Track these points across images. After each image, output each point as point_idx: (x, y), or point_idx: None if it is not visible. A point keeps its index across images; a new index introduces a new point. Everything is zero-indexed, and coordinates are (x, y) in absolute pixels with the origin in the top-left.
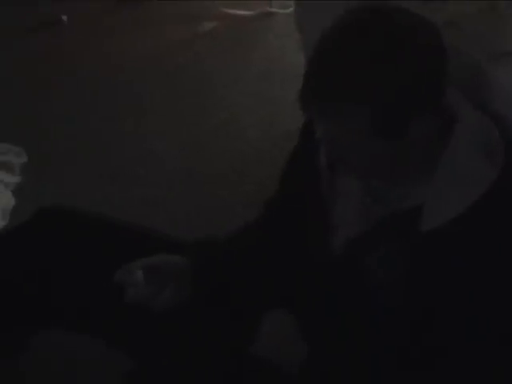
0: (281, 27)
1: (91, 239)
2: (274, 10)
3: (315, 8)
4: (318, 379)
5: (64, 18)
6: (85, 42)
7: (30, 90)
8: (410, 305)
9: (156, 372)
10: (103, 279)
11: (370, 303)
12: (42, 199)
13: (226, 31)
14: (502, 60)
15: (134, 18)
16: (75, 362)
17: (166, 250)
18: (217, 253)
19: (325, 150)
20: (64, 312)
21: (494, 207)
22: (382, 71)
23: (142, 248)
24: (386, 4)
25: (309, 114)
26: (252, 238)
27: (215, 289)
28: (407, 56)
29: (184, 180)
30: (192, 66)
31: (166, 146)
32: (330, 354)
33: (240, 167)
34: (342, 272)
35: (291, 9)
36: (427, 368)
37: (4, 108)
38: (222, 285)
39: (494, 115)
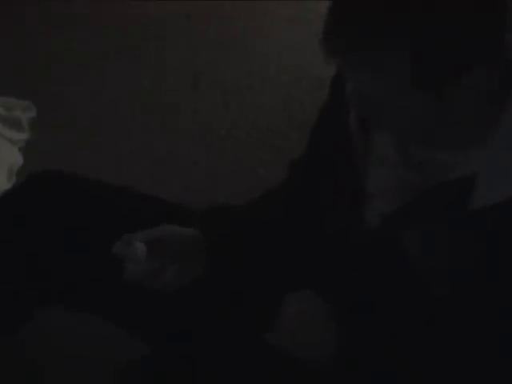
0: None
1: (88, 207)
2: None
3: None
4: (348, 374)
5: None
6: None
7: (42, 40)
8: (454, 294)
9: (159, 360)
10: (100, 252)
11: (408, 288)
12: (52, 157)
13: None
14: None
15: None
16: (74, 340)
17: (173, 219)
18: (233, 223)
19: (356, 108)
20: (58, 287)
21: None
22: (428, 13)
23: (145, 217)
24: None
25: (337, 66)
26: (274, 206)
27: (231, 266)
28: None
29: (202, 136)
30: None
31: (187, 102)
32: (363, 343)
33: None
34: (376, 250)
35: None
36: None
37: (10, 58)
38: (239, 261)
39: None
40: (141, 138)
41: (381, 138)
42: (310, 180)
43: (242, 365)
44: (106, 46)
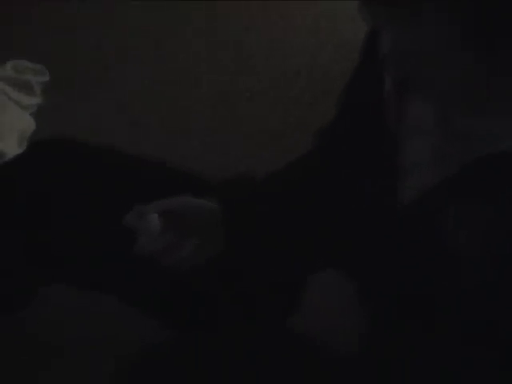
0: None
1: (99, 176)
2: None
3: None
4: (376, 363)
5: None
6: None
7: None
8: (500, 283)
9: (169, 344)
10: (110, 224)
11: (443, 269)
12: (66, 123)
13: None
14: None
15: None
16: (79, 318)
17: (190, 190)
18: (255, 195)
19: (393, 69)
20: (63, 260)
21: None
22: None
23: (160, 188)
24: None
25: (373, 22)
26: (299, 178)
27: (250, 243)
28: None
29: (223, 102)
30: None
31: (206, 67)
32: (394, 329)
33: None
34: (410, 227)
35: None
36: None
37: (20, 21)
38: (260, 238)
39: None
40: (157, 105)
41: (419, 104)
42: (338, 150)
43: (262, 352)
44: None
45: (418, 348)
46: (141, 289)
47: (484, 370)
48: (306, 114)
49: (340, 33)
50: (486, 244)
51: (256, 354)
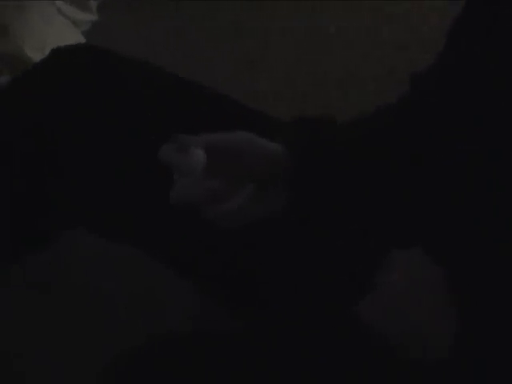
0: None
1: (132, 94)
2: None
3: None
4: (464, 373)
5: None
6: None
7: None
8: None
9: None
10: (141, 156)
11: None
12: (120, 45)
13: None
14: None
15: None
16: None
17: (250, 127)
18: (334, 138)
19: None
20: (82, 199)
21: None
22: None
23: (211, 120)
24: None
25: None
26: (388, 124)
27: (320, 203)
28: None
29: (307, 34)
30: None
31: None
32: (492, 330)
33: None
34: None
35: None
36: None
37: None
38: (331, 197)
39: None
40: (223, 36)
41: None
42: (436, 98)
43: (319, 344)
44: None
45: None
46: (175, 248)
47: None
48: (398, 56)
49: None
50: None
51: (309, 347)
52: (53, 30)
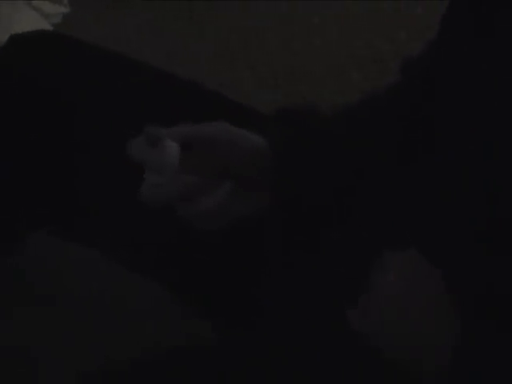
0: None
1: (100, 83)
2: None
3: None
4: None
5: None
6: None
7: None
8: None
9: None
10: (110, 152)
11: None
12: (92, 38)
13: None
14: None
15: None
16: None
17: (229, 118)
18: (321, 131)
19: None
20: (51, 200)
21: None
22: None
23: (187, 111)
24: None
25: None
26: (376, 114)
27: (309, 195)
28: None
29: (289, 23)
30: None
31: None
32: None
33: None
34: None
35: None
36: None
37: None
38: (318, 192)
39: None
40: (200, 30)
41: None
42: (427, 85)
43: (313, 346)
44: None
45: None
46: (147, 250)
47: None
48: (385, 45)
49: None
50: None
51: (303, 349)
52: (21, 23)
